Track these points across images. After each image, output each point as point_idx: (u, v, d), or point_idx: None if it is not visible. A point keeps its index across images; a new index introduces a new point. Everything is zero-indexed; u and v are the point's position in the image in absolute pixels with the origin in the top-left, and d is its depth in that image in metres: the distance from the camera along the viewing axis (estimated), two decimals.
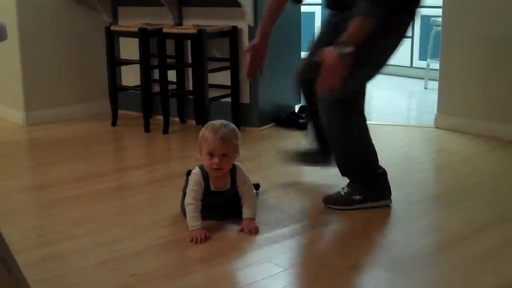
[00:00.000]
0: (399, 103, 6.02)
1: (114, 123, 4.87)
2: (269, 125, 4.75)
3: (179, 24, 4.78)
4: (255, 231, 2.73)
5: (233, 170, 2.81)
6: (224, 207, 2.89)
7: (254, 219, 2.80)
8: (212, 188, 2.78)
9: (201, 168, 2.79)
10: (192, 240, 2.65)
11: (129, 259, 2.53)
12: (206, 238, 2.66)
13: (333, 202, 3.05)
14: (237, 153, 2.78)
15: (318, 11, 7.84)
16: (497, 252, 2.56)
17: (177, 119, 4.91)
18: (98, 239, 2.73)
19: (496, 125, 4.32)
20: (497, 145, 4.16)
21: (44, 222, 2.97)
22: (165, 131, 4.61)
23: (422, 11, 6.89)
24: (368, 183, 3.05)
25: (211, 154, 2.70)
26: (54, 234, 2.80)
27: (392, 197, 3.13)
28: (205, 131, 2.74)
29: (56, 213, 3.06)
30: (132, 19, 5.03)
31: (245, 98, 4.67)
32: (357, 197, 3.02)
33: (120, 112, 4.93)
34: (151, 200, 3.28)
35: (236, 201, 2.85)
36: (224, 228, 2.82)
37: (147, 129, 4.68)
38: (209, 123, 2.80)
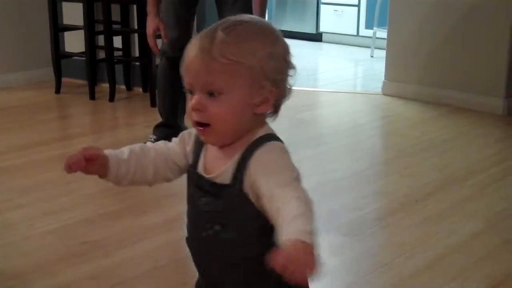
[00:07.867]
0: (345, 71, 6.03)
1: (57, 91, 4.73)
2: None
3: None
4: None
5: (250, 149, 1.17)
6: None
7: (306, 242, 0.99)
8: (200, 169, 1.23)
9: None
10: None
11: (79, 227, 2.48)
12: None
13: None
14: (266, 93, 1.16)
15: None
16: (448, 214, 2.60)
17: (123, 87, 4.80)
18: (46, 207, 2.66)
19: (444, 91, 4.36)
20: (446, 111, 4.20)
21: None
22: (111, 98, 4.51)
23: None
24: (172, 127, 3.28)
25: (190, 91, 1.18)
26: (0, 203, 2.71)
27: (341, 163, 3.14)
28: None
29: (1, 182, 2.97)
30: None
31: None
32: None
33: (64, 79, 4.79)
34: None
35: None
36: (177, 196, 2.79)
37: (92, 96, 4.57)
38: None
